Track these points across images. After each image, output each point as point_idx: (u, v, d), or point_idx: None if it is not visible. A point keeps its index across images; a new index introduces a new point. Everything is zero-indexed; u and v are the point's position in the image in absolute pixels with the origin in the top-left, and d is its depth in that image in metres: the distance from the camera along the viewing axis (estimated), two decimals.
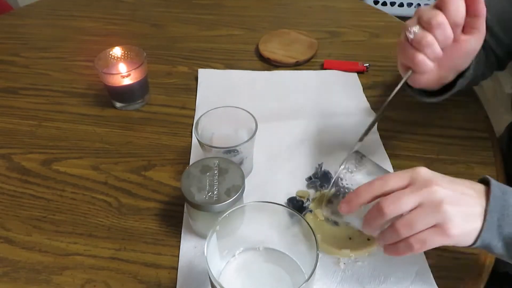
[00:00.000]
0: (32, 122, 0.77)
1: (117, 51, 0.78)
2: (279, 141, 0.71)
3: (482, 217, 0.43)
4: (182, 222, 0.59)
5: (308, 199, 0.60)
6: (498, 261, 0.54)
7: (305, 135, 0.72)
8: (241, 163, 0.61)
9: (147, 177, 0.66)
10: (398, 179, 0.44)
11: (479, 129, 0.71)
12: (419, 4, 2.35)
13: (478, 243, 0.44)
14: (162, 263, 0.55)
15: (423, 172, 0.44)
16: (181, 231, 0.58)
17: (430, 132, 0.70)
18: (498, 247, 0.44)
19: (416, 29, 0.49)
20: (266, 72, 0.86)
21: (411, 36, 0.49)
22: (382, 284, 0.51)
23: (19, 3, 1.71)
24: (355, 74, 0.83)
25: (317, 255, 0.40)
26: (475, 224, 0.43)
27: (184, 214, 0.60)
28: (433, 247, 0.43)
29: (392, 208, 0.42)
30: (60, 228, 0.59)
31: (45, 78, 0.88)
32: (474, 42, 0.51)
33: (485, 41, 0.54)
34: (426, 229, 0.42)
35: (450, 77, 0.56)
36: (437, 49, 0.49)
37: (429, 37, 0.48)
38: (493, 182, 0.45)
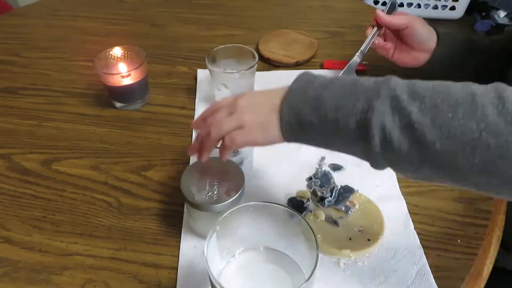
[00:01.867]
0: (32, 122, 0.77)
1: (117, 51, 0.78)
2: None
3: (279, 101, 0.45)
4: (182, 222, 0.59)
5: (308, 200, 0.60)
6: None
7: None
8: (241, 163, 0.61)
9: (147, 177, 0.66)
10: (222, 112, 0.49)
11: None
12: (419, 4, 2.35)
13: (286, 115, 0.44)
14: (162, 263, 0.55)
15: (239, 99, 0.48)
16: (181, 231, 0.58)
17: None
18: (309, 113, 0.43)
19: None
20: (266, 72, 0.85)
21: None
22: (382, 284, 0.51)
23: (19, 3, 1.71)
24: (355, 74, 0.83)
25: (317, 255, 0.40)
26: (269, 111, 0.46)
27: (184, 214, 0.60)
28: (241, 143, 0.47)
29: (216, 131, 0.48)
30: (60, 228, 0.59)
31: (45, 78, 0.88)
32: (411, 28, 0.71)
33: None
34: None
35: (424, 56, 0.73)
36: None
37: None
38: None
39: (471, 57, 0.72)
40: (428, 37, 0.72)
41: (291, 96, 0.44)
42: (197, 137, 0.52)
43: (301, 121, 0.43)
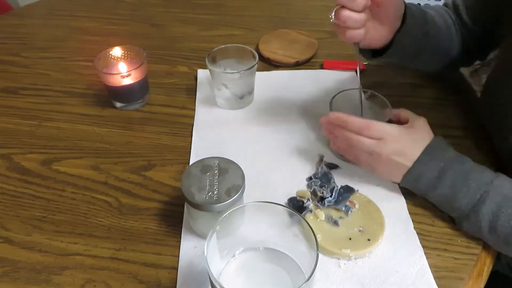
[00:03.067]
0: (32, 122, 0.77)
1: (117, 51, 0.78)
2: (279, 141, 0.71)
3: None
4: (182, 222, 0.59)
5: (308, 199, 0.60)
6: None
7: (305, 135, 0.72)
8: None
9: (147, 177, 0.66)
10: (374, 133, 0.58)
11: (479, 129, 0.71)
12: (419, 4, 2.35)
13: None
14: (162, 263, 0.55)
15: (385, 144, 0.58)
16: (181, 231, 0.58)
17: None
18: (415, 191, 0.59)
19: (333, 14, 0.57)
20: (266, 72, 0.86)
21: (332, 20, 0.57)
22: (382, 284, 0.51)
23: (19, 3, 1.71)
24: (355, 73, 0.83)
25: (317, 255, 0.40)
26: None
27: (184, 214, 0.60)
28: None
29: (356, 145, 0.60)
30: (60, 228, 0.59)
31: (45, 78, 0.88)
32: None
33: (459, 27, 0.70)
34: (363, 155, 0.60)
35: (389, 35, 0.62)
36: (354, 17, 0.55)
37: (344, 12, 0.55)
38: (420, 158, 0.57)
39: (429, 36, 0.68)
40: (400, 7, 0.61)
41: (407, 178, 0.58)
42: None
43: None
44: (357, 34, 0.57)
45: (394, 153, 0.58)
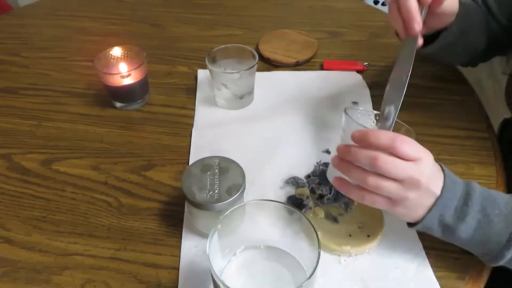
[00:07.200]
0: (32, 122, 0.77)
1: (117, 51, 0.78)
2: (278, 140, 0.71)
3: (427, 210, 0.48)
4: (182, 222, 0.59)
5: (307, 197, 0.60)
6: None
7: (304, 134, 0.72)
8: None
9: (147, 177, 0.66)
10: (409, 149, 0.45)
11: (479, 129, 0.71)
12: None
13: (419, 226, 0.49)
14: (162, 263, 0.55)
15: (424, 167, 0.46)
16: (181, 231, 0.58)
17: (430, 132, 0.70)
18: (438, 231, 0.49)
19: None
20: (266, 72, 0.86)
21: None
22: (383, 280, 0.51)
23: (19, 3, 1.71)
24: (358, 74, 0.83)
25: (319, 253, 0.40)
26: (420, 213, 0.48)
27: (185, 214, 0.59)
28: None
29: (385, 168, 0.44)
30: (60, 228, 0.59)
31: (45, 78, 0.88)
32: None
33: (488, 22, 0.68)
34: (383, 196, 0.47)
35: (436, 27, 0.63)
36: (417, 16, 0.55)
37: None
38: (446, 183, 0.47)
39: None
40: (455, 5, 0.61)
41: (435, 210, 0.47)
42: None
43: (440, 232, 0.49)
44: (417, 29, 0.55)
45: (431, 178, 0.46)
